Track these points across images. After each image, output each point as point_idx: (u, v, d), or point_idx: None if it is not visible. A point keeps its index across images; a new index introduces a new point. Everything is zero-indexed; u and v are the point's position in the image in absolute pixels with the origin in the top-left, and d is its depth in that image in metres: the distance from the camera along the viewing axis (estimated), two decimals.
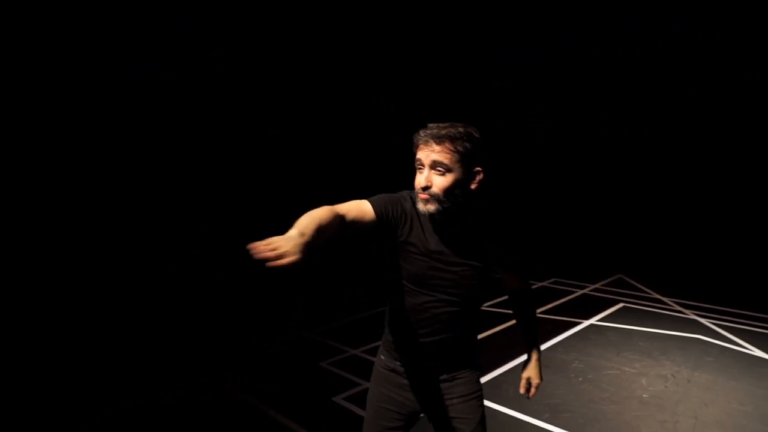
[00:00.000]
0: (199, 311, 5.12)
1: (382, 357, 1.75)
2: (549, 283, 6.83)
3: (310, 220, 1.27)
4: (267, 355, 4.17)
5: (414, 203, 1.56)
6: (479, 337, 4.91)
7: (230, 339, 4.44)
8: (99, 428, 3.01)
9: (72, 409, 3.21)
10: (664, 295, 6.15)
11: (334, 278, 6.48)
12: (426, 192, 1.50)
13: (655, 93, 8.08)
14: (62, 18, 4.51)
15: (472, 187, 1.55)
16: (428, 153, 1.49)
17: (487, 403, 3.44)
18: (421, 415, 1.75)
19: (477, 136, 1.53)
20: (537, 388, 1.87)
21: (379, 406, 1.72)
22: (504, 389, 3.62)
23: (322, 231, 1.27)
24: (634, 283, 6.82)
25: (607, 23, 7.96)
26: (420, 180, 1.51)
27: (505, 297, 6.39)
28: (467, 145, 1.49)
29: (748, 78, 7.22)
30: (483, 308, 5.80)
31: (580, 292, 6.42)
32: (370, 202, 1.54)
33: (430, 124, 1.53)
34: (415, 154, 1.55)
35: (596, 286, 6.67)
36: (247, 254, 1.06)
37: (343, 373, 3.86)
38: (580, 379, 3.84)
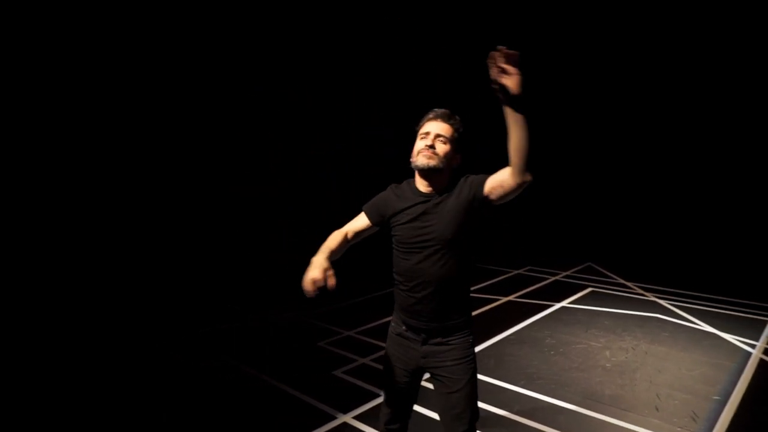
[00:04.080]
0: (200, 310, 5.13)
1: (393, 324, 2.09)
2: (524, 271, 7.23)
3: (326, 246, 1.86)
4: (269, 337, 4.56)
5: (395, 189, 2.01)
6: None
7: (230, 338, 4.45)
8: (99, 428, 3.02)
9: (72, 409, 3.21)
10: (628, 280, 6.63)
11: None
12: (431, 150, 1.88)
13: (656, 93, 8.07)
14: (62, 18, 4.51)
15: (453, 163, 1.95)
16: (436, 126, 1.92)
17: None
18: (426, 375, 2.04)
19: (463, 129, 1.99)
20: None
21: (391, 365, 2.06)
22: (485, 362, 4.03)
23: (337, 251, 1.90)
24: (602, 270, 7.26)
25: (607, 23, 7.97)
26: (427, 141, 1.90)
27: (489, 282, 6.46)
28: (460, 131, 1.96)
29: (748, 78, 7.21)
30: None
31: (553, 278, 6.81)
32: (364, 210, 2.05)
33: (437, 109, 1.97)
34: (419, 129, 1.97)
35: (567, 273, 7.09)
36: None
37: (341, 351, 4.27)
38: (552, 352, 4.28)
